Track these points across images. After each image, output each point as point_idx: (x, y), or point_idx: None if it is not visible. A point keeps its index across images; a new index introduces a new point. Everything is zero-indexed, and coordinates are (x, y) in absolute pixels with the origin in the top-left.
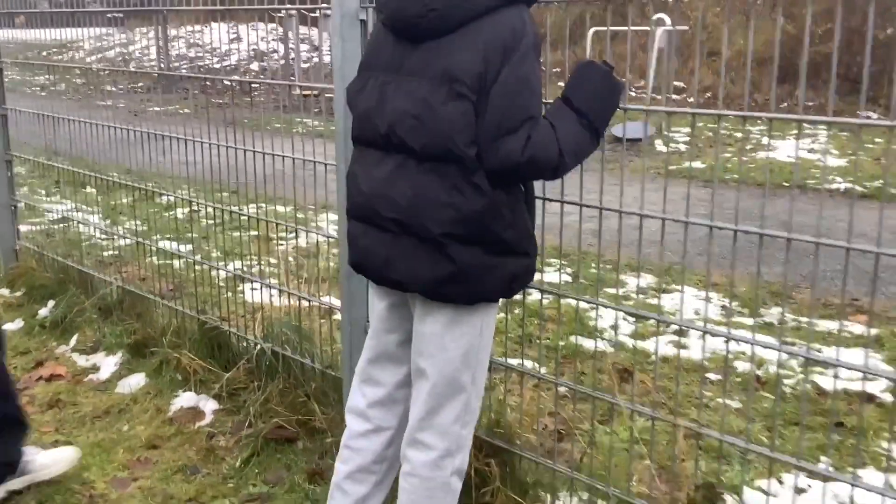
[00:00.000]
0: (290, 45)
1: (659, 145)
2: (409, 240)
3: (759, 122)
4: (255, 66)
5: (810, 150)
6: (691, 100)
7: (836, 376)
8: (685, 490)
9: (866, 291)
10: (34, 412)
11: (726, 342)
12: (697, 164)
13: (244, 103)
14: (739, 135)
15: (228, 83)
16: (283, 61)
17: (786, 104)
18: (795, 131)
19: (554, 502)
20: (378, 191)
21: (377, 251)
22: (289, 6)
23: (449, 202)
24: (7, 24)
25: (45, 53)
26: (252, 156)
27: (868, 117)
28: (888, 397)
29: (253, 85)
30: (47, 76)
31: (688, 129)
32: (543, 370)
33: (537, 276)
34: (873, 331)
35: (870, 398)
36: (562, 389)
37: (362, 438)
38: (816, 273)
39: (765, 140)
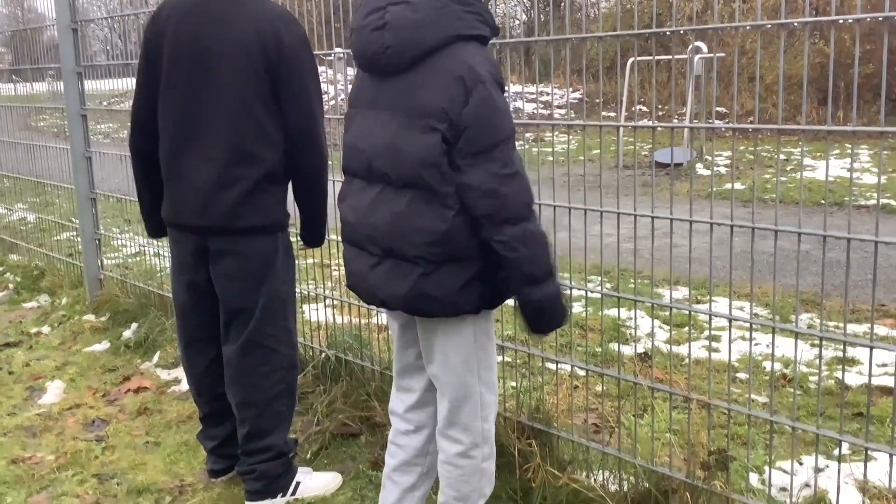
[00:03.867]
0: (339, 87)
1: (700, 169)
2: (390, 262)
3: (799, 144)
4: None
5: (849, 170)
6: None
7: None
8: (701, 457)
9: (894, 298)
10: (125, 419)
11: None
12: (738, 186)
13: None
14: (782, 157)
15: None
16: (332, 101)
17: (828, 125)
18: (837, 151)
19: (588, 476)
20: (362, 218)
21: (364, 274)
22: (337, 49)
23: (423, 226)
24: (39, 79)
25: (104, 103)
26: None
27: None
28: None
29: None
30: (109, 124)
31: (728, 153)
32: (581, 372)
33: (579, 292)
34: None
35: (888, 390)
36: (598, 388)
37: (405, 436)
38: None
39: (806, 161)
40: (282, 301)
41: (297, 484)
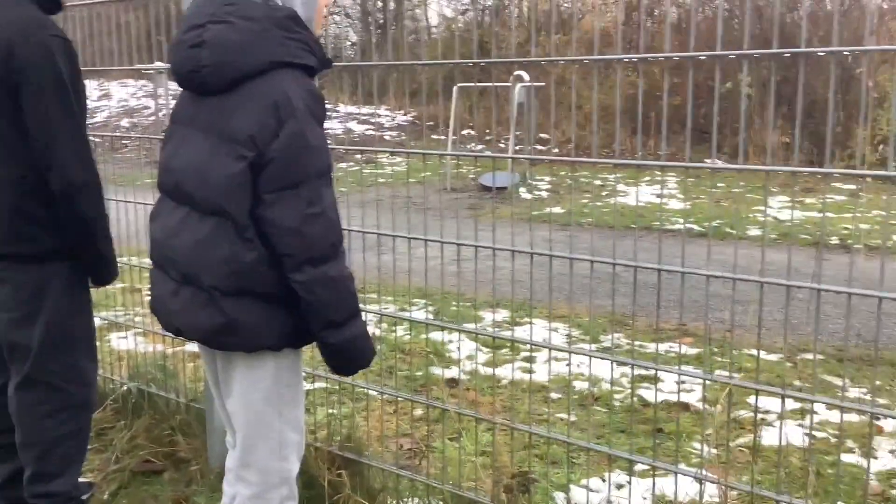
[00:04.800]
0: (161, 102)
1: (523, 193)
2: (189, 290)
3: (615, 170)
4: (125, 122)
5: (659, 196)
6: (555, 150)
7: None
8: (505, 480)
9: (694, 318)
10: None
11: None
12: (557, 210)
13: (112, 159)
14: (598, 182)
15: (98, 139)
16: (154, 117)
17: (640, 154)
18: (648, 178)
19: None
20: (166, 240)
21: (164, 299)
22: (160, 64)
23: (223, 256)
24: None
25: None
26: (122, 207)
27: (714, 163)
28: (701, 405)
29: (123, 141)
30: None
31: (550, 178)
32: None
33: (403, 314)
34: (694, 350)
35: (686, 406)
36: (417, 412)
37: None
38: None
39: (619, 187)
40: (68, 336)
41: None
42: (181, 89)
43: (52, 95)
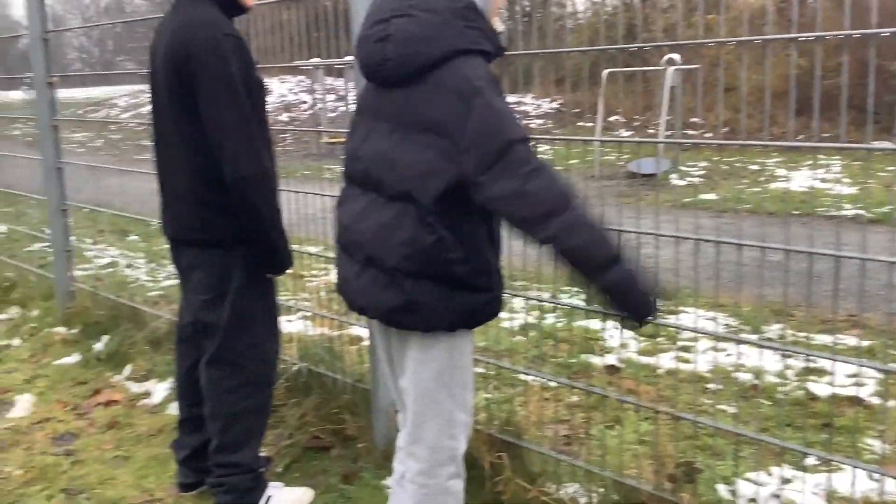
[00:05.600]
0: (317, 96)
1: (675, 179)
2: (372, 271)
3: (773, 154)
4: (284, 116)
5: (823, 180)
6: (709, 135)
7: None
8: (668, 469)
9: (864, 308)
10: (95, 433)
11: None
12: (710, 196)
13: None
14: (754, 167)
15: None
16: (310, 111)
17: (802, 136)
18: (810, 162)
19: (559, 489)
20: (353, 224)
21: (349, 279)
22: (316, 60)
23: (405, 239)
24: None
25: (80, 112)
26: (284, 197)
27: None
28: (875, 400)
29: (282, 134)
30: (85, 133)
31: (704, 164)
32: (553, 383)
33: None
34: (866, 342)
35: (858, 401)
36: (572, 399)
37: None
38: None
39: (778, 171)
40: (249, 317)
41: (269, 498)
42: (366, 82)
43: (222, 91)
